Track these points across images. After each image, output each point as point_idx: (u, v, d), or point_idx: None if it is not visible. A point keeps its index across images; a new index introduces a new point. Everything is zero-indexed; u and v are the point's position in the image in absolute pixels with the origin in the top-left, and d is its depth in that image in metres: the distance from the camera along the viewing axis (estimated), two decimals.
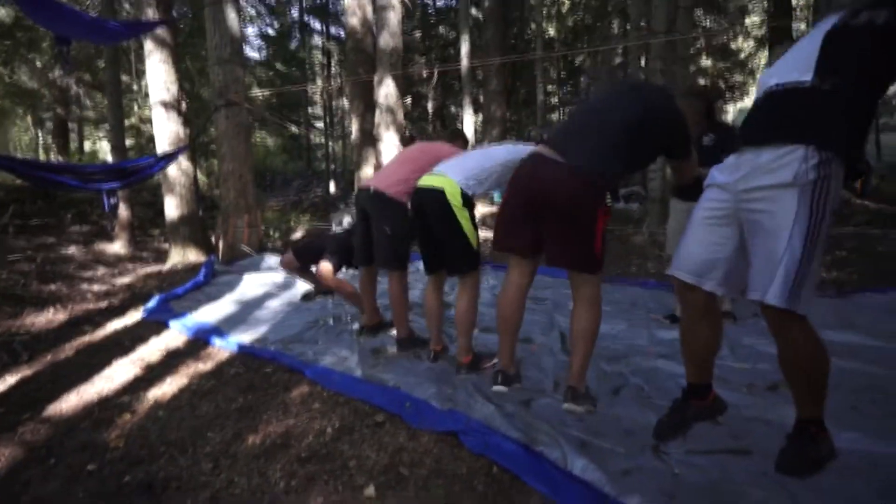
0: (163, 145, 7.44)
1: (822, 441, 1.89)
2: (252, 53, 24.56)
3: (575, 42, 18.18)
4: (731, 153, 3.70)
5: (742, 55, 18.09)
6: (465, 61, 11.69)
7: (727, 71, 18.92)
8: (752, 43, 18.16)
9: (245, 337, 3.87)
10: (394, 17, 8.79)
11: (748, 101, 20.40)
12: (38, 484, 2.13)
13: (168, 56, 7.53)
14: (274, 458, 2.25)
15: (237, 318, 4.49)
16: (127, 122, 12.99)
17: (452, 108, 20.93)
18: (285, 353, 3.47)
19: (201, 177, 13.26)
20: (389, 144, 8.82)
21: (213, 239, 7.88)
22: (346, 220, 4.44)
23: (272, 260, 6.66)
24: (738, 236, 1.93)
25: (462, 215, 2.87)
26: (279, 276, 5.98)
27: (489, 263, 6.14)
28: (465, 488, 1.98)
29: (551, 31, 18.23)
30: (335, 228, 4.60)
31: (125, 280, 6.59)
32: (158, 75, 7.48)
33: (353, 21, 10.17)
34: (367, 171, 9.98)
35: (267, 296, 5.26)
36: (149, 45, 7.47)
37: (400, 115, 9.04)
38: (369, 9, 10.11)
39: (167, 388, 3.07)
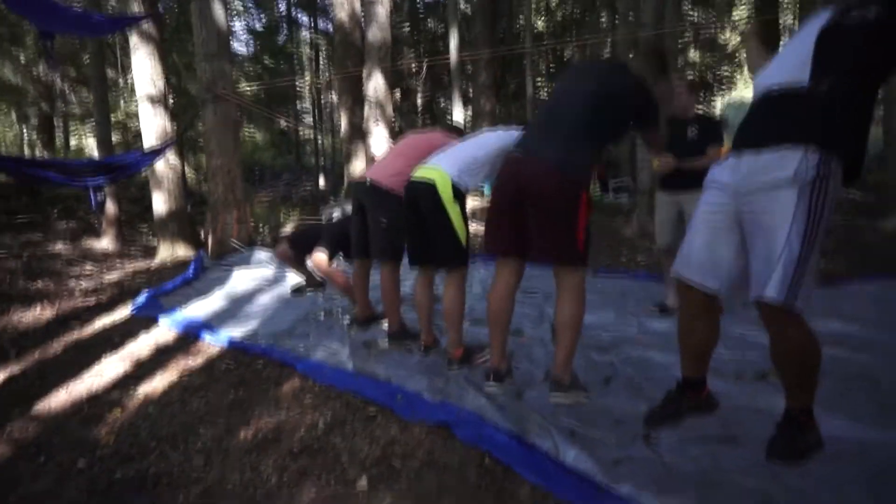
0: (150, 140, 7.38)
1: (811, 430, 1.91)
2: (239, 48, 24.39)
3: (563, 35, 18.19)
4: (715, 145, 3.73)
5: (729, 48, 18.16)
6: (454, 55, 11.67)
7: (715, 64, 19.02)
8: (739, 38, 18.25)
9: (235, 332, 3.85)
10: (382, 10, 8.75)
11: (735, 94, 20.53)
12: (28, 481, 2.12)
13: (154, 50, 7.46)
14: (266, 452, 2.24)
15: (227, 313, 4.47)
16: (113, 118, 12.85)
17: (442, 102, 20.89)
18: (276, 348, 3.46)
19: (189, 172, 13.17)
20: (379, 138, 8.79)
21: (201, 234, 7.84)
22: (336, 215, 4.43)
23: (262, 255, 6.63)
24: (739, 237, 1.94)
25: (452, 210, 2.87)
26: (269, 271, 5.95)
27: (480, 257, 6.14)
28: (457, 479, 1.98)
29: (540, 25, 18.23)
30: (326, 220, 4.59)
31: (113, 276, 6.54)
32: (144, 70, 7.41)
33: (342, 15, 10.11)
34: (356, 166, 9.94)
35: (257, 291, 5.24)
36: (134, 40, 7.40)
37: (389, 109, 9.01)
38: (357, 2, 10.06)
39: (157, 383, 3.05)
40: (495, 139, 3.07)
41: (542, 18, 18.79)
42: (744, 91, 20.13)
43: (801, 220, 1.71)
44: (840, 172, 1.75)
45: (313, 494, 1.94)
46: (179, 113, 12.60)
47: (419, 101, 19.49)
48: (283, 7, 22.44)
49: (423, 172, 2.97)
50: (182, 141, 8.33)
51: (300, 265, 4.91)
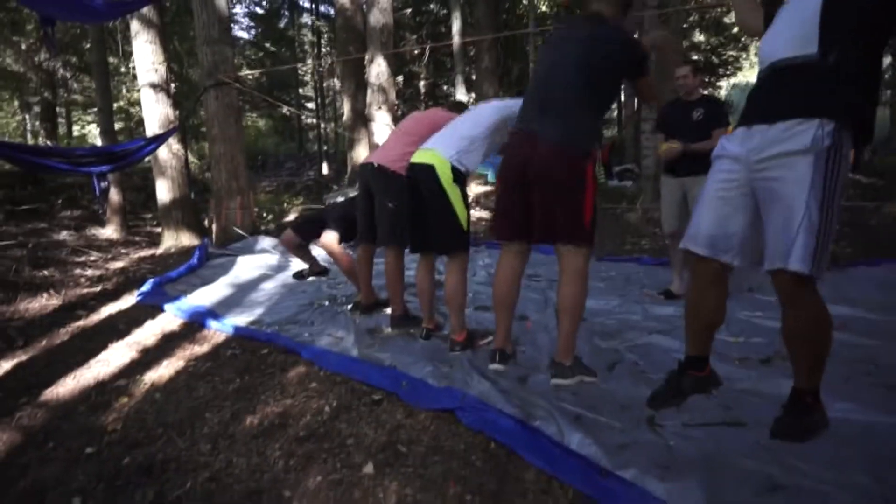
0: (152, 128, 7.36)
1: (817, 411, 1.91)
2: (241, 33, 24.24)
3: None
4: (720, 127, 3.71)
5: (735, 30, 17.92)
6: (456, 39, 11.56)
7: (720, 46, 18.79)
8: None
9: (240, 319, 3.87)
10: None
11: (741, 77, 20.31)
12: (36, 468, 2.14)
13: (155, 36, 7.41)
14: (272, 438, 2.26)
15: (232, 300, 4.48)
16: (115, 105, 12.84)
17: (445, 87, 20.74)
18: (281, 335, 3.47)
19: (192, 159, 13.16)
20: (381, 124, 8.74)
21: (205, 222, 7.85)
22: (340, 200, 4.40)
23: (266, 242, 6.63)
24: (753, 207, 1.91)
25: (453, 193, 2.86)
26: (273, 259, 5.96)
27: (485, 243, 6.14)
28: (462, 464, 1.99)
29: (543, 7, 18.03)
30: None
31: (118, 264, 6.56)
32: (146, 56, 7.37)
33: None
34: (360, 152, 9.90)
35: (262, 278, 5.25)
36: (135, 26, 7.35)
37: (392, 95, 8.94)
38: None
39: (164, 370, 3.07)
40: (489, 114, 3.04)
41: (545, 1, 18.57)
42: (749, 74, 19.92)
43: (819, 188, 1.69)
44: (851, 141, 1.74)
45: (320, 479, 1.95)
46: (182, 100, 12.57)
47: (422, 87, 19.35)
48: None
49: (421, 156, 2.96)
50: (185, 128, 8.31)
51: (305, 253, 4.91)
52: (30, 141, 18.40)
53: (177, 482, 1.99)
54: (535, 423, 2.14)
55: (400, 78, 16.64)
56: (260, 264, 5.79)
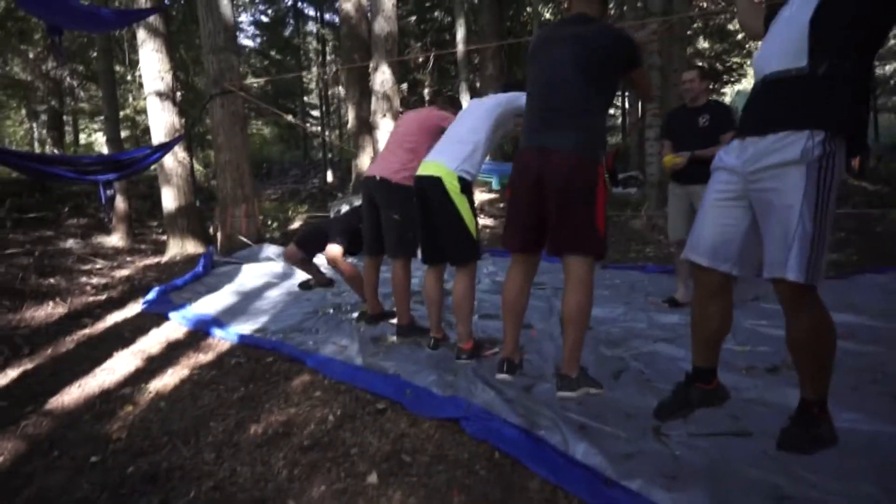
0: (158, 136, 7.40)
1: (824, 422, 1.91)
2: (246, 41, 24.37)
3: None
4: (728, 133, 3.71)
5: (739, 36, 17.92)
6: (460, 46, 11.61)
7: (725, 53, 18.78)
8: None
9: (245, 327, 3.87)
10: (388, 1, 8.70)
11: (746, 84, 20.29)
12: (42, 476, 2.14)
13: (161, 45, 7.47)
14: (276, 446, 2.26)
15: (237, 308, 4.49)
16: (122, 114, 12.91)
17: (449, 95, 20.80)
18: (286, 343, 3.48)
19: (198, 167, 13.22)
20: (386, 132, 8.77)
21: (211, 230, 7.87)
22: (344, 209, 4.40)
23: (271, 250, 6.65)
24: (750, 217, 1.95)
25: (461, 203, 2.87)
26: (278, 267, 5.97)
27: (490, 251, 6.14)
28: (466, 473, 1.98)
29: (547, 14, 18.08)
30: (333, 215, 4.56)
31: (124, 272, 6.59)
32: (152, 65, 7.42)
33: (347, 6, 10.07)
34: (364, 160, 9.93)
35: (266, 286, 5.26)
36: (142, 34, 7.41)
37: (396, 102, 8.98)
38: None
39: (168, 379, 3.08)
40: (488, 115, 3.04)
41: (550, 8, 18.63)
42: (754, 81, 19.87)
43: (812, 198, 1.73)
44: (844, 150, 1.77)
45: (324, 488, 1.95)
46: (188, 108, 12.63)
47: (426, 94, 19.41)
48: None
49: (427, 168, 2.97)
50: (190, 136, 8.35)
51: (309, 266, 4.91)
52: (37, 149, 18.55)
53: (181, 491, 1.99)
54: (540, 432, 2.13)
55: (404, 85, 16.68)
56: (265, 272, 5.80)
